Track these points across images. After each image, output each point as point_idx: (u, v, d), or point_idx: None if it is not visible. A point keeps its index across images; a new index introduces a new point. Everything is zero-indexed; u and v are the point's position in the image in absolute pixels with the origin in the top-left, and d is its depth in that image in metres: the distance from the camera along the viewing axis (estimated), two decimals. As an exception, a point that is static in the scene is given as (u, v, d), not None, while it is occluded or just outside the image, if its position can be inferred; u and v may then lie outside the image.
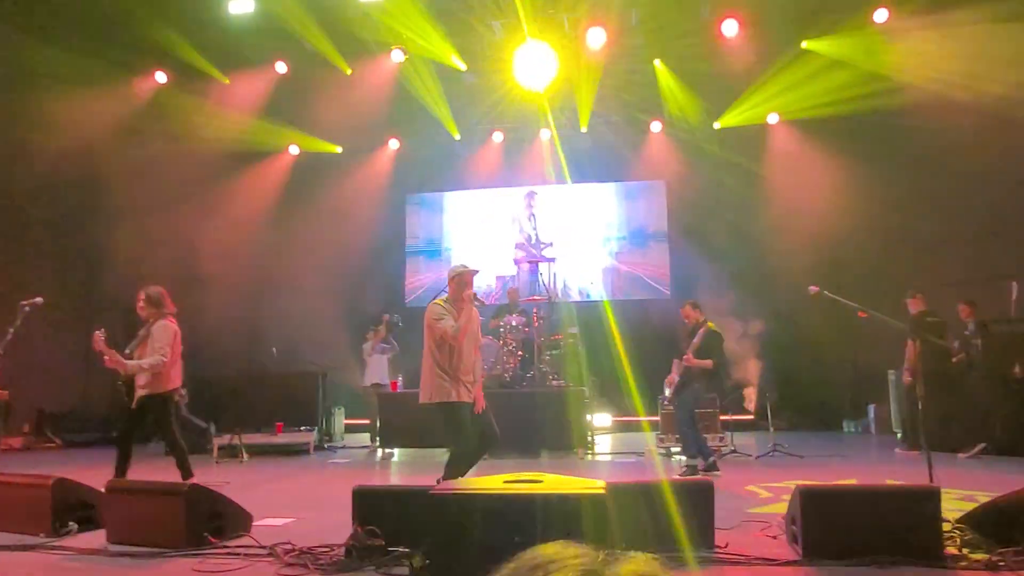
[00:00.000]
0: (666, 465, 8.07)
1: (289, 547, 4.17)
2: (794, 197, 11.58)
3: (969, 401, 8.42)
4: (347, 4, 10.19)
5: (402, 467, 8.73)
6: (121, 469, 5.66)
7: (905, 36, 10.07)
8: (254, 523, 4.77)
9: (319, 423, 10.41)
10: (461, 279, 5.36)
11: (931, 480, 4.48)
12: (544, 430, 8.58)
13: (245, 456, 9.00)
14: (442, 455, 9.27)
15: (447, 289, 5.58)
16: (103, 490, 4.71)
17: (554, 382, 9.06)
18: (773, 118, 12.42)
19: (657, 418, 8.90)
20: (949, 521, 4.10)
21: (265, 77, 11.51)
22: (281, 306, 11.63)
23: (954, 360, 8.88)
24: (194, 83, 11.37)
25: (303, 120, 12.49)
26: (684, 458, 7.37)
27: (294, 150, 13.22)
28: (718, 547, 4.07)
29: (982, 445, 8.18)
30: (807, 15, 10.44)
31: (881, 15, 10.12)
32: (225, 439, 9.19)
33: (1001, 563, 3.66)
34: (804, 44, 10.86)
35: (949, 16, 9.27)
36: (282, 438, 9.76)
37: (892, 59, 10.29)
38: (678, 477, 6.45)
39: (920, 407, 5.48)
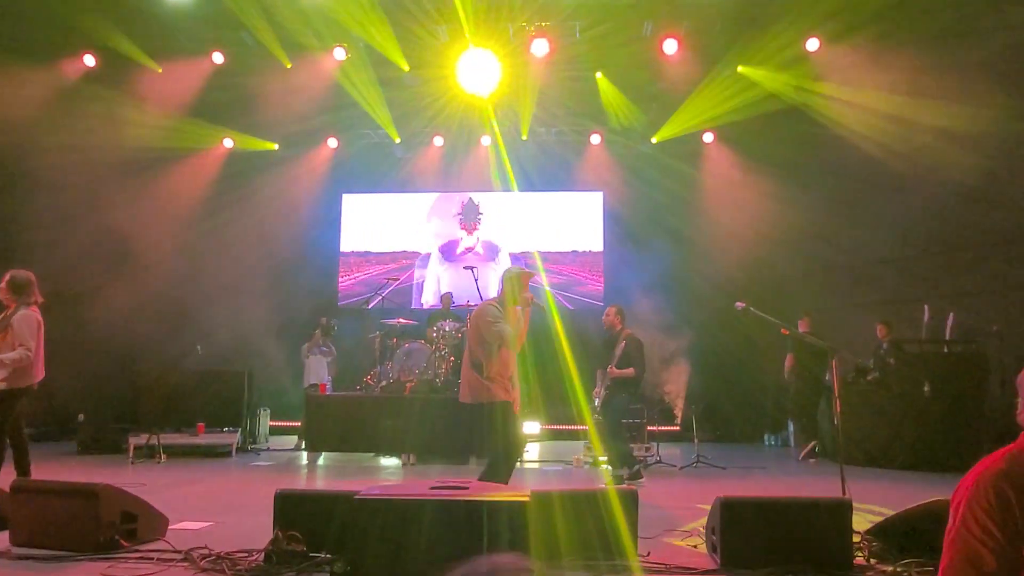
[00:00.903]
0: (593, 474, 8.16)
1: (206, 552, 4.05)
2: (726, 214, 11.94)
3: (882, 416, 8.80)
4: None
5: (328, 471, 8.58)
6: (21, 466, 5.43)
7: (836, 66, 10.51)
8: (170, 527, 4.61)
9: (243, 424, 10.15)
10: (519, 281, 5.27)
11: (844, 493, 4.65)
12: (473, 437, 8.54)
13: (163, 457, 8.68)
14: (369, 460, 9.21)
15: (500, 289, 5.45)
16: (7, 490, 4.47)
17: (485, 389, 9.05)
18: (708, 137, 12.78)
19: (586, 427, 8.98)
20: (859, 532, 4.28)
21: (200, 67, 11.16)
22: (208, 302, 11.26)
23: (868, 378, 9.32)
24: (125, 69, 10.93)
25: (239, 113, 12.14)
26: (610, 467, 7.48)
27: (228, 143, 12.87)
28: (641, 556, 4.14)
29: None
30: (743, 40, 10.77)
31: (813, 44, 10.52)
32: (142, 439, 8.84)
33: (905, 573, 3.84)
34: (739, 68, 11.20)
35: (880, 47, 9.71)
36: (203, 439, 9.45)
37: (822, 88, 10.73)
38: (603, 486, 6.53)
39: (837, 423, 5.68)
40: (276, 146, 13.10)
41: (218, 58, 11.01)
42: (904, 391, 8.68)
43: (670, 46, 10.58)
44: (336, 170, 13.64)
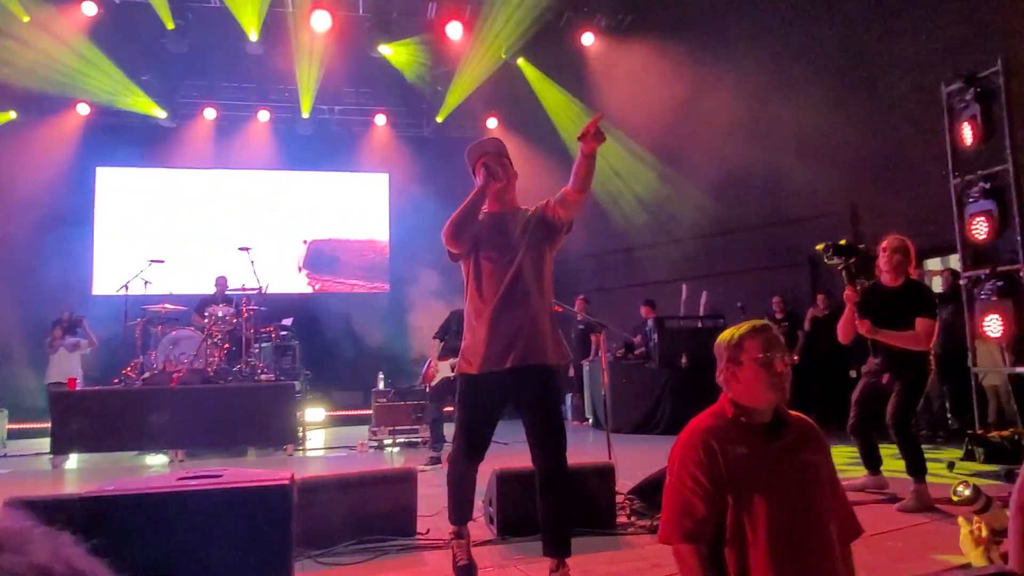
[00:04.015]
0: (377, 458, 8.06)
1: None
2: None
3: (647, 387, 9.57)
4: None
5: (81, 475, 7.68)
6: None
7: (610, 59, 11.21)
8: None
9: (-29, 429, 8.82)
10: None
11: (610, 458, 4.97)
12: (250, 427, 8.11)
13: None
14: (131, 459, 8.37)
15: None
16: None
17: (263, 376, 8.62)
18: (492, 122, 13.07)
19: (370, 412, 8.85)
20: (622, 493, 4.60)
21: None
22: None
23: (636, 352, 10.10)
24: None
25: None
26: (396, 450, 7.43)
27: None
28: (420, 534, 4.15)
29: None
30: (521, 32, 11.14)
31: (588, 39, 11.14)
32: None
33: (658, 526, 4.18)
34: (519, 61, 11.57)
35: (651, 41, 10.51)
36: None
37: (598, 81, 11.41)
38: (383, 468, 6.47)
39: (605, 394, 6.05)
40: (13, 115, 11.41)
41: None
42: (665, 363, 9.49)
43: (454, 30, 10.67)
44: (88, 141, 12.17)
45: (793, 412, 2.19)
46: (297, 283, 13.14)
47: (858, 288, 4.60)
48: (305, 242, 13.33)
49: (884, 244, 4.72)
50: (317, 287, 13.22)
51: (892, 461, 4.95)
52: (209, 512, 2.20)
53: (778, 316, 9.71)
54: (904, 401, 4.59)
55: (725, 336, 2.18)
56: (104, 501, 2.14)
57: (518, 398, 3.26)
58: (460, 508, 3.45)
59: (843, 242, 4.64)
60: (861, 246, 4.74)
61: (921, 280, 4.75)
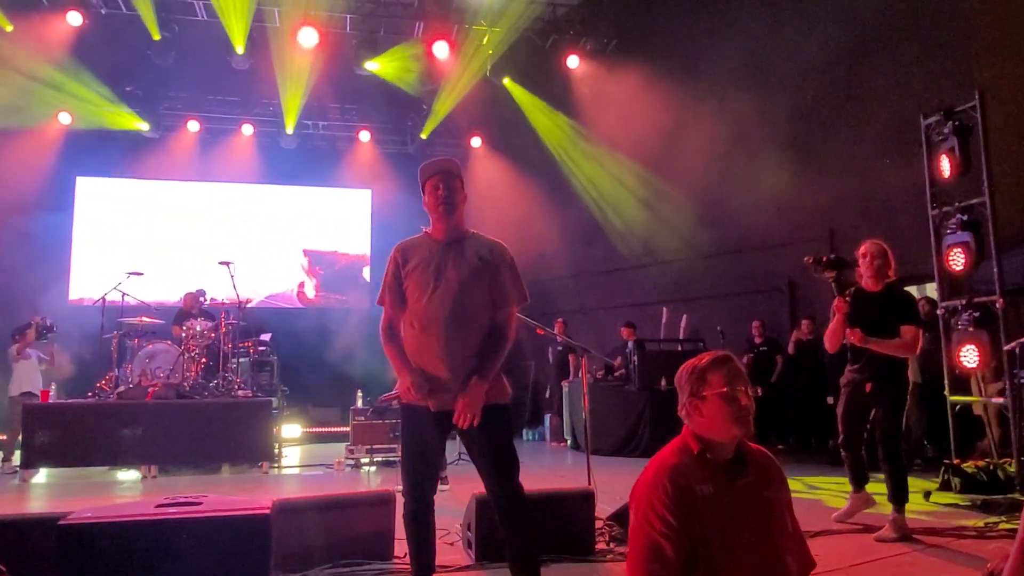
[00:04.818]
0: (354, 476, 7.98)
1: None
2: (494, 217, 12.32)
3: (626, 409, 9.57)
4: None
5: (50, 490, 7.51)
6: None
7: (595, 82, 11.36)
8: None
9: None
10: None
11: (590, 483, 4.95)
12: (226, 444, 7.99)
13: None
14: (102, 474, 8.21)
15: None
16: None
17: (240, 392, 8.52)
18: (476, 141, 13.14)
19: (347, 429, 8.77)
20: (601, 519, 4.58)
21: None
22: None
23: (616, 374, 10.12)
24: None
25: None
26: (373, 468, 7.36)
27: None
28: (397, 558, 4.10)
29: None
30: (507, 52, 11.24)
31: (573, 61, 11.24)
32: None
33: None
34: (505, 80, 11.66)
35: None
36: None
37: (582, 103, 11.53)
38: (361, 491, 6.40)
39: (585, 417, 6.03)
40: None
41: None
42: (644, 386, 9.50)
43: (440, 49, 10.71)
44: (69, 150, 12.03)
45: (752, 445, 2.17)
46: (283, 296, 13.06)
47: (847, 299, 4.69)
48: (306, 252, 13.31)
49: (863, 250, 4.82)
50: (297, 302, 13.15)
51: (872, 485, 4.98)
52: (189, 541, 2.16)
53: (757, 341, 9.77)
54: (892, 417, 4.65)
55: (687, 368, 2.14)
56: (81, 529, 2.09)
57: (463, 433, 2.96)
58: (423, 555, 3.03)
59: (833, 256, 4.76)
60: (849, 259, 4.84)
61: (900, 286, 4.84)
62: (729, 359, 2.12)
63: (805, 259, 4.88)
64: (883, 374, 4.66)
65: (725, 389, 2.03)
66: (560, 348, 10.89)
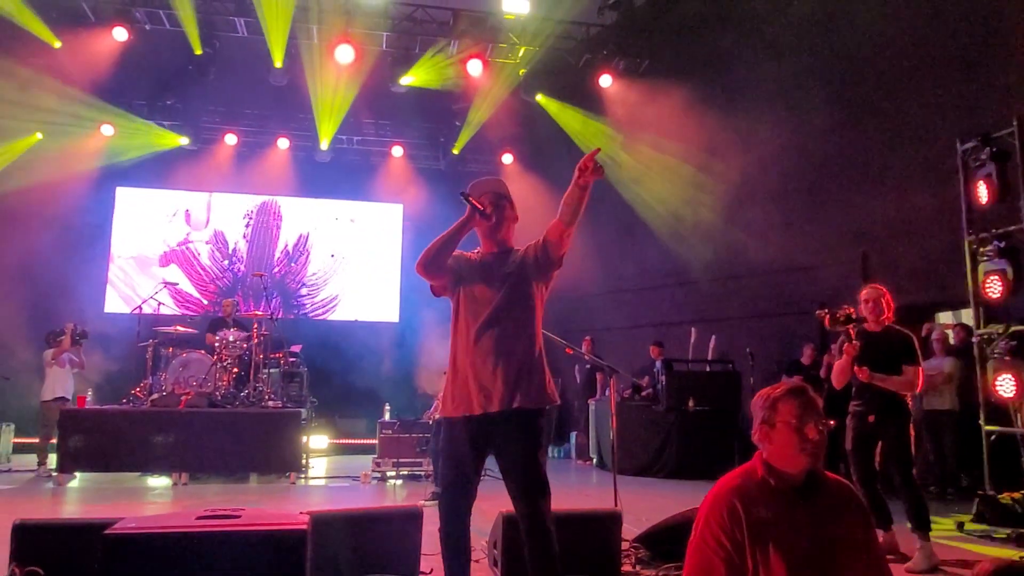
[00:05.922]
0: (380, 489, 8.03)
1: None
2: (524, 233, 12.38)
3: (653, 429, 9.52)
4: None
5: (84, 495, 7.67)
6: None
7: (627, 102, 11.40)
8: None
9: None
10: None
11: (616, 504, 4.95)
12: (255, 453, 8.11)
13: None
14: (134, 480, 8.37)
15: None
16: None
17: (270, 402, 8.63)
18: (508, 158, 13.24)
19: (375, 441, 8.83)
20: (627, 540, 4.57)
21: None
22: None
23: (643, 394, 10.08)
24: None
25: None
26: (399, 482, 7.41)
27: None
28: (423, 572, 4.13)
29: None
30: (540, 71, 11.33)
31: (606, 80, 11.31)
32: None
33: (664, 576, 4.16)
34: (538, 97, 11.74)
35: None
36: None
37: (614, 122, 11.59)
38: (388, 505, 6.45)
39: (613, 437, 6.04)
40: (40, 135, 11.57)
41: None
42: (672, 406, 9.45)
43: (474, 67, 10.83)
44: (110, 161, 12.33)
45: (833, 477, 2.17)
46: (304, 309, 13.23)
47: (857, 344, 4.94)
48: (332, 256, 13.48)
49: (864, 296, 5.09)
50: (329, 315, 13.29)
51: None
52: (229, 554, 2.21)
53: (806, 364, 9.40)
54: (899, 443, 4.82)
55: (761, 395, 2.19)
56: (127, 539, 2.16)
57: (495, 444, 3.08)
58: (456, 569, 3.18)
59: (850, 313, 5.02)
60: (855, 315, 5.07)
61: (899, 327, 5.04)
62: (804, 391, 2.15)
63: (818, 313, 5.14)
64: (885, 406, 4.90)
65: (795, 420, 2.05)
66: (588, 366, 10.88)
